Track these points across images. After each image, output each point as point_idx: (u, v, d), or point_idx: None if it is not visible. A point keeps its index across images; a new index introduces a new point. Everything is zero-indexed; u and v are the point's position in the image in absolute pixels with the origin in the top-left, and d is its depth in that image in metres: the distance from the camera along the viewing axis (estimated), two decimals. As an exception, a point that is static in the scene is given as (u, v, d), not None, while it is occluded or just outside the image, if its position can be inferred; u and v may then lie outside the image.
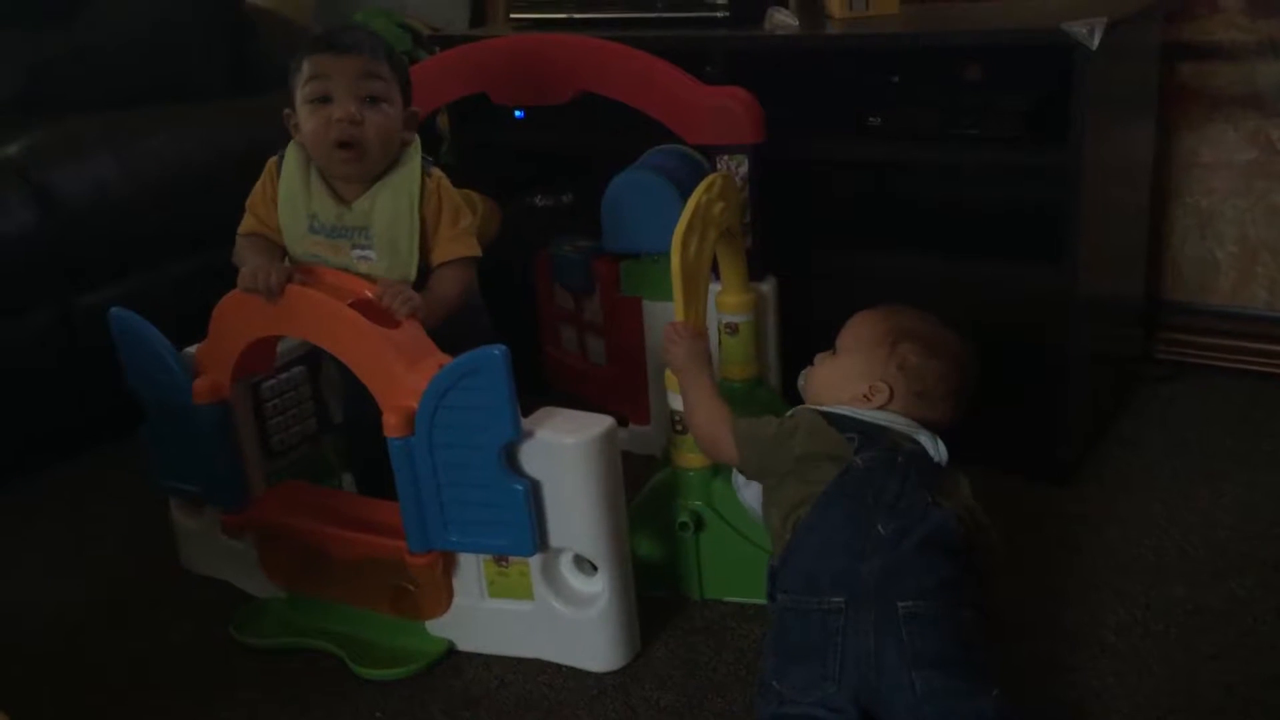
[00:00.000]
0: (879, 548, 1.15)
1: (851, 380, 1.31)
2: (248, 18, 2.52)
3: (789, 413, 1.32)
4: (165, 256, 2.03)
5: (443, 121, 2.17)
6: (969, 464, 1.72)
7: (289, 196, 1.46)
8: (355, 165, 1.42)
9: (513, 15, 2.13)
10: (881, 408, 1.29)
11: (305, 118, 1.42)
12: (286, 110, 1.45)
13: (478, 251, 1.50)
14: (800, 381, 1.40)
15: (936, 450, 1.27)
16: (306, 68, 1.41)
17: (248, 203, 1.51)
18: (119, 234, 1.98)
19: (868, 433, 1.24)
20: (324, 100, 1.40)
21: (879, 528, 1.16)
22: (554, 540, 1.33)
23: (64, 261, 1.92)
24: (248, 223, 1.50)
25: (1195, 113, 1.96)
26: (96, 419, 1.93)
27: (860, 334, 1.35)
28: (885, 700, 1.11)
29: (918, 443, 1.26)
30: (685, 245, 1.37)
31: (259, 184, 1.50)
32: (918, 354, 1.31)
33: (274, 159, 1.50)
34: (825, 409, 1.29)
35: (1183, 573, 1.48)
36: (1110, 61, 1.58)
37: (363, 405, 1.43)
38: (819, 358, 1.38)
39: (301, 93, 1.41)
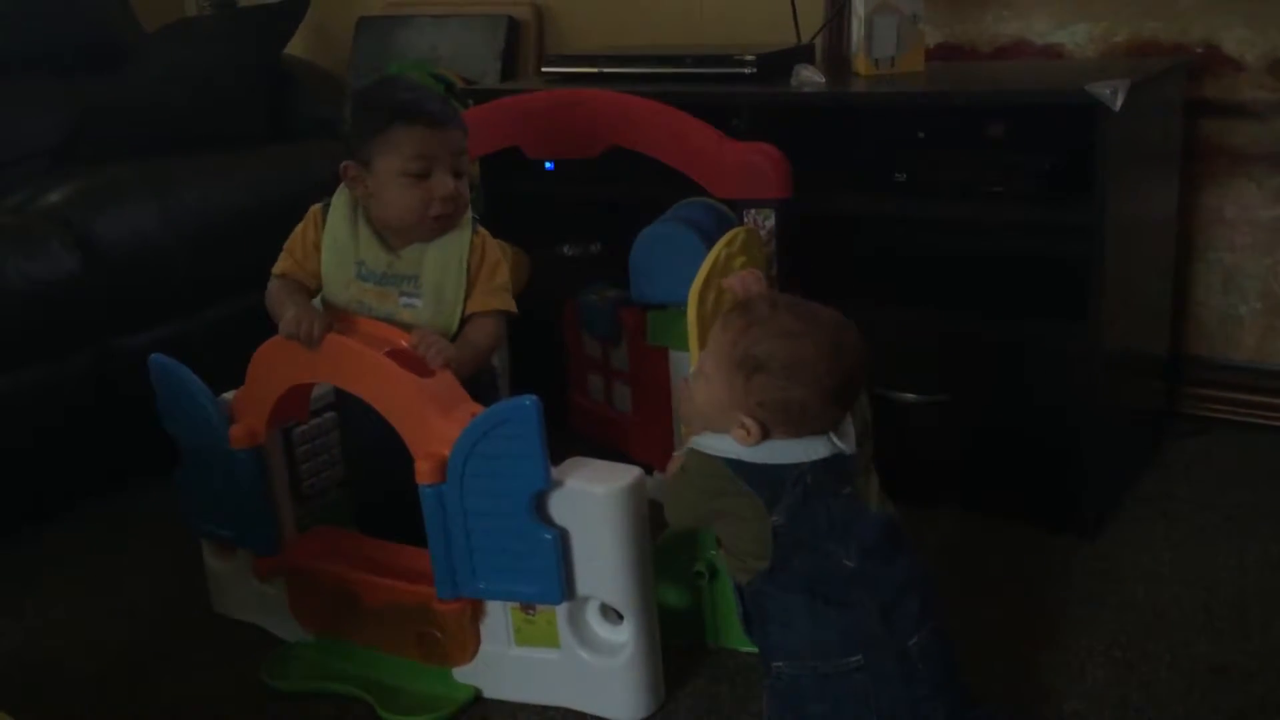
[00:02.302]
0: (861, 585, 1.15)
1: (722, 412, 1.20)
2: (287, 68, 2.58)
3: (688, 451, 1.24)
4: (203, 303, 2.07)
5: (473, 172, 2.21)
6: (996, 517, 1.74)
7: (335, 244, 1.50)
8: (440, 232, 1.48)
9: (544, 69, 2.18)
10: (763, 440, 1.18)
11: (398, 189, 1.44)
12: (347, 163, 1.47)
13: (512, 307, 1.53)
14: (681, 392, 1.31)
15: (834, 444, 1.19)
16: (405, 141, 1.42)
17: (286, 244, 1.53)
18: (158, 280, 2.02)
19: (764, 481, 1.18)
20: (424, 175, 1.43)
21: (845, 562, 1.16)
22: (581, 589, 1.35)
23: (104, 306, 1.96)
24: (284, 263, 1.53)
25: (1218, 170, 1.97)
26: (133, 462, 1.95)
27: (717, 356, 1.21)
28: None
29: (817, 457, 1.19)
30: (703, 298, 1.39)
31: (300, 228, 1.53)
32: (775, 388, 1.16)
33: (318, 206, 1.53)
34: (716, 451, 1.20)
35: (1207, 630, 1.47)
36: (1133, 120, 1.60)
37: (371, 453, 1.47)
38: (699, 362, 1.27)
39: (393, 162, 1.43)
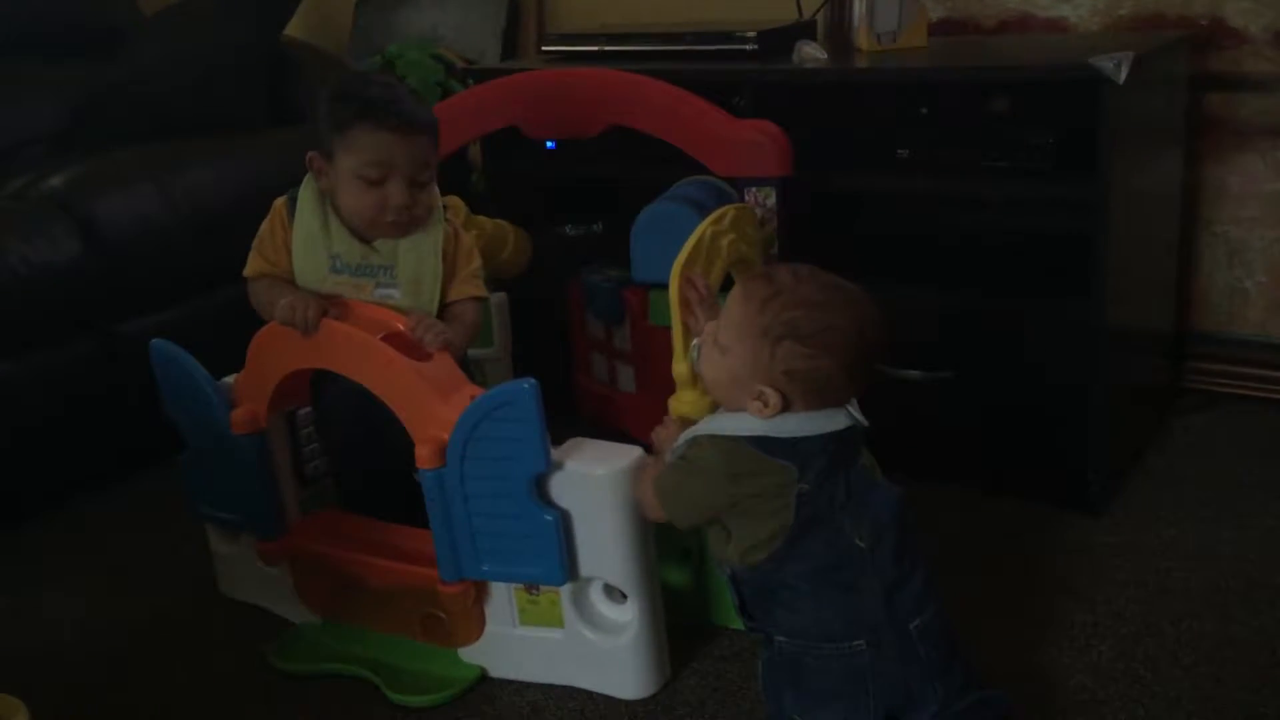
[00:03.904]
0: (868, 567, 1.14)
1: (741, 383, 1.17)
2: (286, 50, 2.57)
3: (691, 441, 1.20)
4: (205, 287, 2.07)
5: (474, 152, 2.20)
6: (1001, 493, 1.74)
7: (307, 239, 1.47)
8: (398, 236, 1.46)
9: (544, 48, 2.17)
10: (781, 412, 1.16)
11: (353, 190, 1.42)
12: (313, 153, 1.44)
13: (486, 294, 1.53)
14: (693, 356, 1.28)
15: (852, 416, 1.18)
16: (364, 144, 1.40)
17: (255, 244, 1.50)
18: (160, 265, 2.02)
19: (793, 450, 1.15)
20: (379, 182, 1.41)
21: (857, 541, 1.14)
22: (584, 569, 1.35)
23: (106, 292, 1.96)
24: (256, 264, 1.49)
25: (1223, 143, 1.96)
26: (137, 447, 1.96)
27: (739, 326, 1.17)
28: (914, 707, 1.15)
29: (838, 428, 1.17)
30: (687, 277, 1.38)
31: (267, 226, 1.49)
32: (803, 357, 1.14)
33: (281, 201, 1.49)
34: (735, 431, 1.17)
35: (1213, 604, 1.47)
36: (1138, 94, 1.59)
37: (354, 442, 1.48)
38: (708, 334, 1.23)
39: (351, 162, 1.41)
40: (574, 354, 2.02)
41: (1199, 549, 1.59)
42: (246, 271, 1.50)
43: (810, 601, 1.15)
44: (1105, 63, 1.51)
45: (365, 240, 1.47)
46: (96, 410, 1.95)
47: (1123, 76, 1.50)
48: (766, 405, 1.15)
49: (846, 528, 1.15)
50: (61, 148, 2.21)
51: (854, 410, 1.19)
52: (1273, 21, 1.88)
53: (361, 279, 1.47)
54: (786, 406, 1.15)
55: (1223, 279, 2.03)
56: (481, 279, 1.53)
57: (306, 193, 1.47)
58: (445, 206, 1.50)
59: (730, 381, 1.18)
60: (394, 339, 1.39)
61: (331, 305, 1.43)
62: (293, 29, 2.64)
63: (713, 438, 1.18)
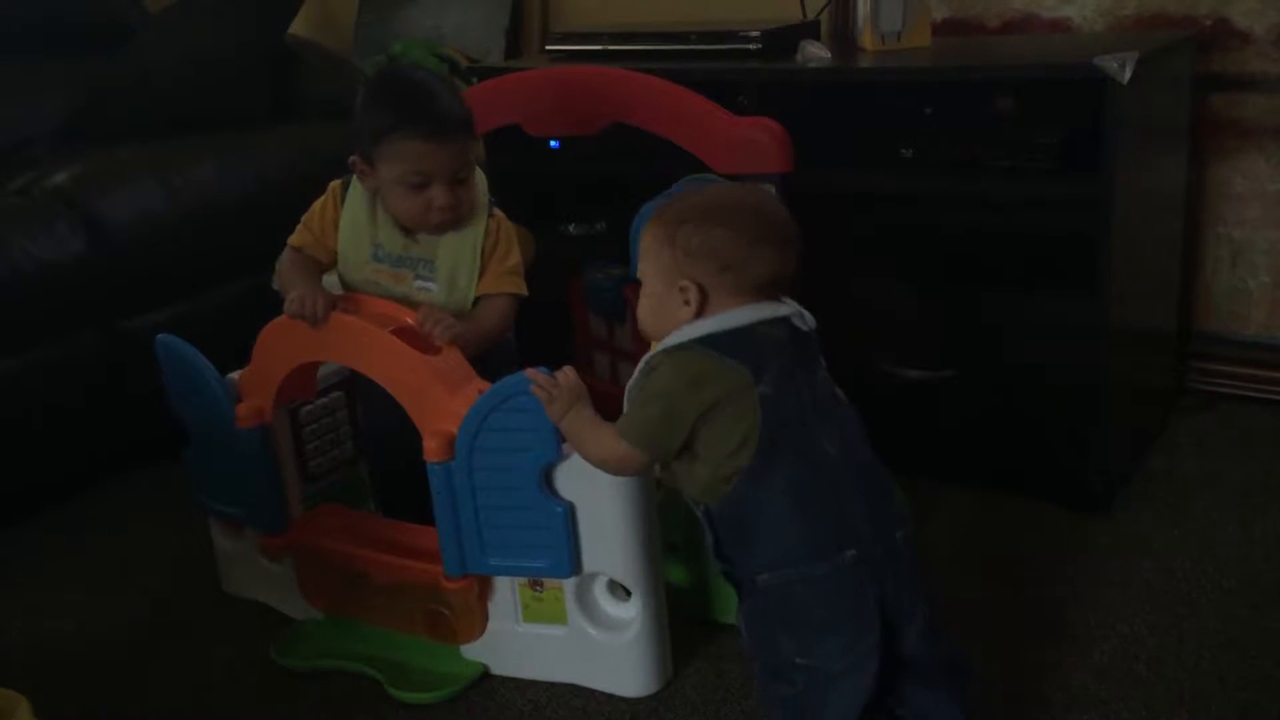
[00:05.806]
0: (846, 473, 1.12)
1: (665, 302, 1.17)
2: (289, 48, 2.57)
3: (645, 369, 1.18)
4: (209, 282, 2.07)
5: (478, 150, 2.20)
6: (1003, 493, 1.75)
7: (353, 224, 1.50)
8: (444, 233, 1.47)
9: (548, 47, 2.17)
10: (703, 310, 1.15)
11: (397, 194, 1.44)
12: (353, 158, 1.46)
13: (523, 289, 1.53)
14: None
15: (790, 306, 1.18)
16: (404, 154, 1.41)
17: (305, 217, 1.53)
18: (164, 260, 2.03)
19: (744, 347, 1.13)
20: (422, 186, 1.43)
21: (827, 449, 1.12)
22: (588, 565, 1.35)
23: (110, 287, 1.96)
24: (301, 236, 1.53)
25: (1227, 144, 1.96)
26: (141, 443, 1.96)
27: (645, 251, 1.20)
28: (905, 621, 1.11)
29: (778, 314, 1.17)
30: None
31: (320, 203, 1.52)
32: (694, 232, 1.15)
33: (338, 182, 1.52)
34: (680, 342, 1.15)
35: (1215, 604, 1.47)
36: (1142, 94, 1.59)
37: (390, 429, 1.47)
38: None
39: (392, 171, 1.42)
40: (577, 352, 2.02)
41: (1200, 549, 1.59)
42: (290, 240, 1.53)
43: (790, 523, 1.10)
44: (1109, 62, 1.51)
45: (408, 233, 1.48)
46: (100, 407, 1.95)
47: (1127, 76, 1.51)
48: (689, 302, 1.15)
49: (816, 435, 1.13)
50: (65, 144, 2.21)
51: (799, 309, 1.18)
52: (1278, 22, 1.88)
53: (401, 270, 1.49)
54: (705, 297, 1.15)
55: (1226, 280, 2.03)
56: (519, 275, 1.53)
57: (358, 181, 1.49)
58: (492, 201, 1.51)
59: (657, 304, 1.19)
60: (402, 332, 1.39)
61: (341, 299, 1.44)
62: (296, 26, 2.64)
63: (665, 352, 1.17)
